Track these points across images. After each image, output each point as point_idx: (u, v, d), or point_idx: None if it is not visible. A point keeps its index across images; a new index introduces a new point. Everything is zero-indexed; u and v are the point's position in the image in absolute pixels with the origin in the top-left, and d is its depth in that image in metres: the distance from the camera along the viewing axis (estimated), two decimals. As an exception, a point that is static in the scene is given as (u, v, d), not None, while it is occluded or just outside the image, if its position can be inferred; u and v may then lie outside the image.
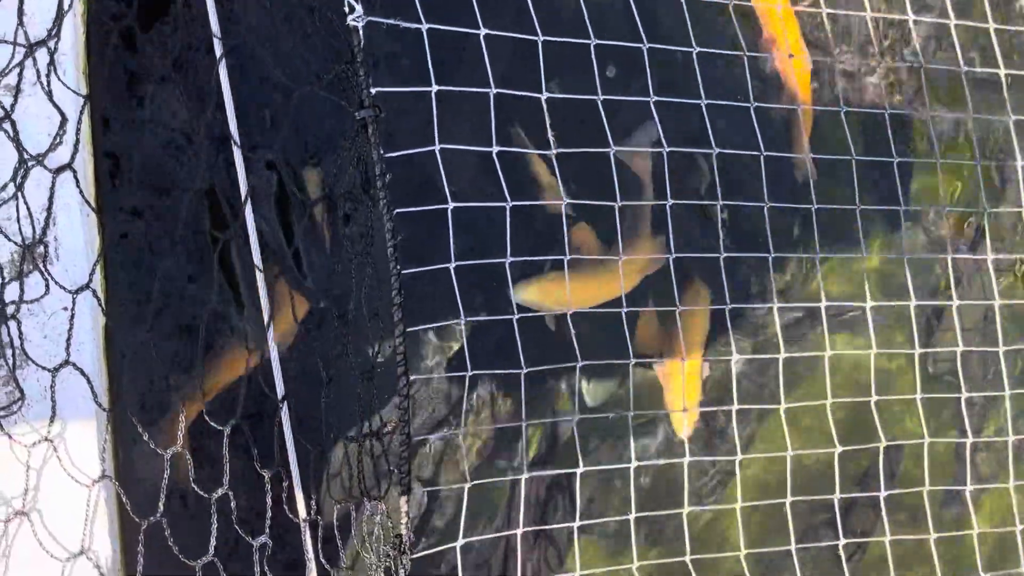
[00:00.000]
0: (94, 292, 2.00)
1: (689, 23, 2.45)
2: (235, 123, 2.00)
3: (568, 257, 2.33)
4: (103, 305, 2.02)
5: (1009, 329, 2.77)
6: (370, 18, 2.00)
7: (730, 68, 2.55)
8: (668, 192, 2.46)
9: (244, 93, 2.10)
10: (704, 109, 2.43)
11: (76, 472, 2.00)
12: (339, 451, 2.30)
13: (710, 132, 2.44)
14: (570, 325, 2.29)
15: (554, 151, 2.34)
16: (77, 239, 2.01)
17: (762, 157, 2.50)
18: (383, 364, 2.25)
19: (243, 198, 2.00)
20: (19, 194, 1.85)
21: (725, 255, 2.51)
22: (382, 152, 2.04)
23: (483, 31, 2.22)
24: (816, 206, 2.56)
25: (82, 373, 1.99)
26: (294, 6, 2.18)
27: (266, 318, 2.06)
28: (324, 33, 2.12)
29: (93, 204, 2.03)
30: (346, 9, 1.99)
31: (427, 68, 2.09)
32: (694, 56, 2.44)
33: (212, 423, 2.04)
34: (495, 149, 2.20)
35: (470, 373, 2.28)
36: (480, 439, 2.49)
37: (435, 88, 2.13)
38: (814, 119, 2.71)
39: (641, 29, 2.37)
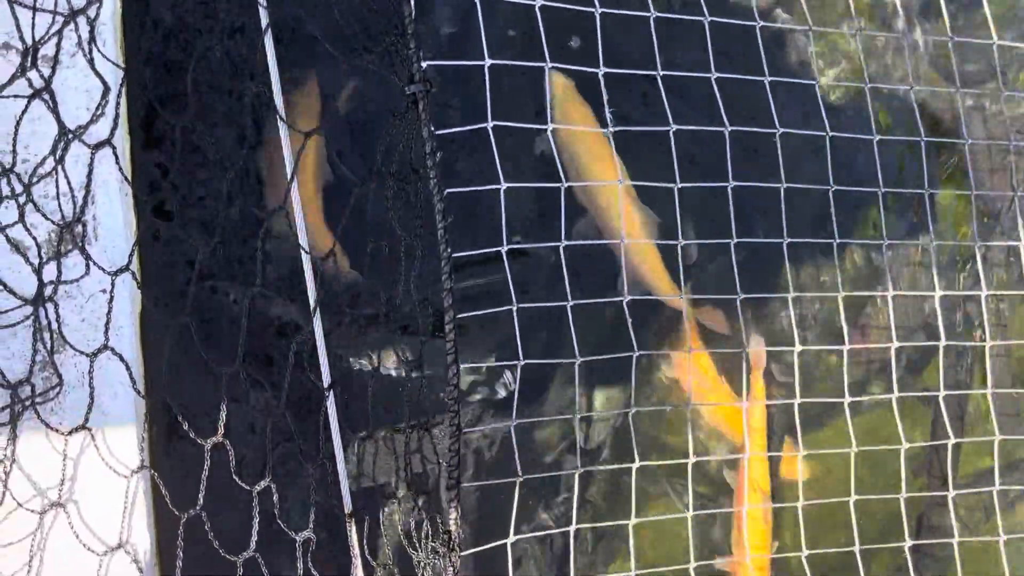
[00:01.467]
0: (133, 274, 1.92)
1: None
2: (280, 96, 1.90)
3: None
4: (141, 287, 1.94)
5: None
6: (421, -12, 1.90)
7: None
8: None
9: (289, 64, 2.00)
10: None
11: (114, 462, 1.92)
12: (385, 443, 2.21)
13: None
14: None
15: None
16: (116, 219, 1.92)
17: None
18: (431, 355, 2.15)
19: (289, 176, 1.91)
20: (59, 168, 1.76)
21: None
22: (432, 129, 1.94)
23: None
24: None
25: (121, 359, 1.91)
26: (342, -25, 2.08)
27: (312, 300, 1.96)
28: (375, 3, 2.01)
29: (131, 182, 1.95)
30: (396, -20, 1.89)
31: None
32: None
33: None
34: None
35: (522, 362, 2.17)
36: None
37: (489, 62, 2.03)
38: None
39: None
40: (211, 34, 2.08)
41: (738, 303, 2.32)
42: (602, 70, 2.15)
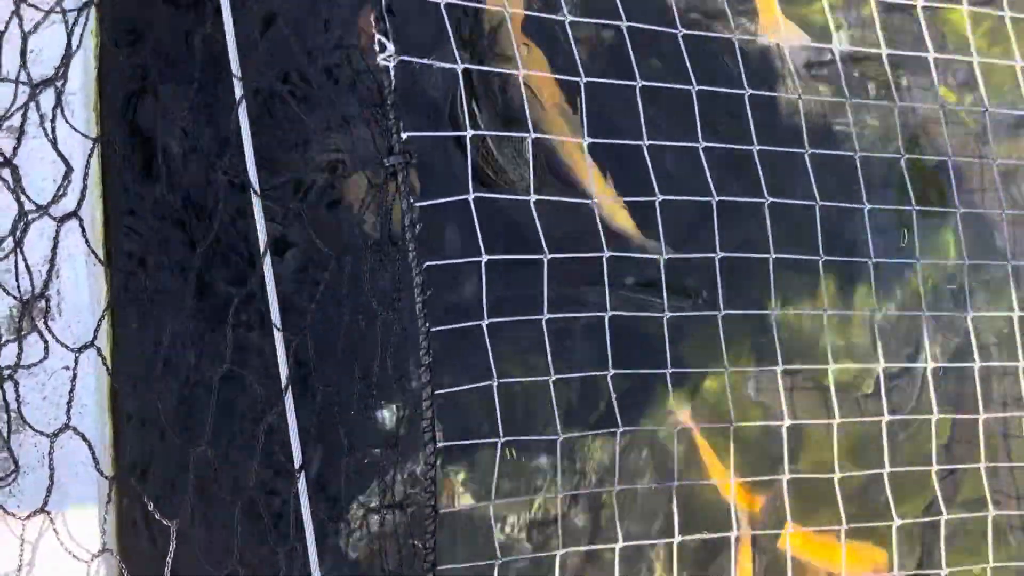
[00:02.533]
0: (99, 350, 1.85)
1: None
2: (254, 169, 1.85)
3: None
4: (108, 364, 1.87)
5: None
6: (402, 57, 1.85)
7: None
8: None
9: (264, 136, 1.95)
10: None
11: (74, 546, 1.84)
12: (358, 520, 2.13)
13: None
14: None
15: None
16: (82, 293, 1.86)
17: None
18: (408, 429, 2.08)
19: (262, 251, 1.85)
20: (18, 250, 1.70)
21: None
22: (412, 201, 1.89)
23: (521, 72, 2.08)
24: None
25: (83, 438, 1.84)
26: (321, 45, 2.04)
27: (283, 378, 1.90)
28: (352, 71, 1.97)
29: (101, 255, 1.89)
30: (376, 47, 1.85)
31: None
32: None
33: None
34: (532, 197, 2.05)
35: (502, 439, 2.10)
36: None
37: (470, 133, 1.98)
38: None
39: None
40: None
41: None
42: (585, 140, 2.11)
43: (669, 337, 2.19)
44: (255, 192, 1.84)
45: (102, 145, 1.89)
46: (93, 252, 1.86)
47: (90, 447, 1.84)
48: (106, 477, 1.86)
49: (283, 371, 1.90)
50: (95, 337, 1.85)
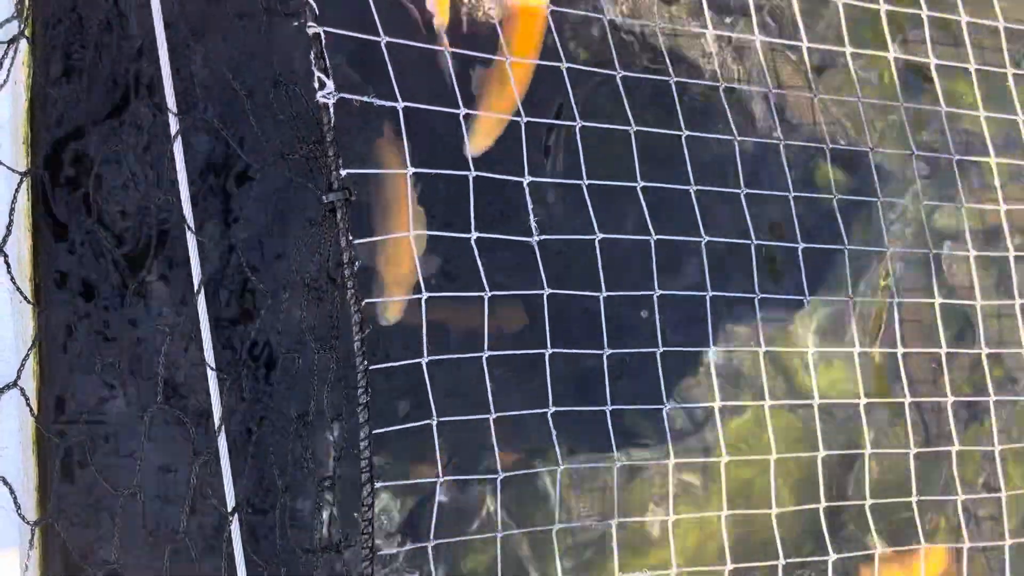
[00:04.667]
0: (22, 390, 1.78)
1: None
2: (189, 204, 1.82)
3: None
4: (32, 405, 1.80)
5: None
6: (342, 95, 1.85)
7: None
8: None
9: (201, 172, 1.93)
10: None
11: (-8, 596, 1.77)
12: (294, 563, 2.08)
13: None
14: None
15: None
16: (5, 330, 1.80)
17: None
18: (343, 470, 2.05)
19: (196, 288, 1.81)
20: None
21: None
22: (351, 239, 1.88)
23: (462, 111, 2.09)
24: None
25: (4, 482, 1.77)
26: (259, 80, 2.02)
27: (216, 419, 1.86)
28: (291, 110, 1.95)
29: (27, 291, 1.83)
30: (316, 85, 1.84)
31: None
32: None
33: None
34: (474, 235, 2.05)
35: (441, 479, 2.08)
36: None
37: (411, 171, 1.98)
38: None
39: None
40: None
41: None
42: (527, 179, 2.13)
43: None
44: (190, 229, 1.81)
45: (32, 178, 1.85)
46: (19, 290, 1.80)
47: (12, 492, 1.76)
48: (28, 522, 1.79)
49: (216, 411, 1.86)
50: (18, 376, 1.79)
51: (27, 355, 1.81)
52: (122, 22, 1.99)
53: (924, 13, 2.66)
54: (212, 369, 1.82)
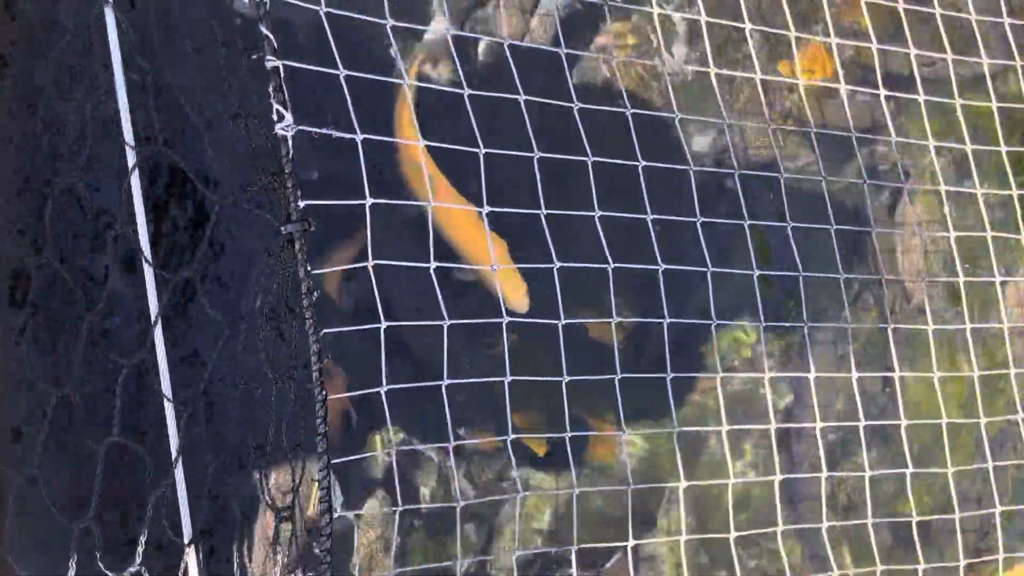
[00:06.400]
0: (-24, 424, 1.78)
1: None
2: (147, 239, 1.83)
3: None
4: (-14, 438, 1.80)
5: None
6: (301, 127, 1.86)
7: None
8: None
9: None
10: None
11: (-57, 633, 1.75)
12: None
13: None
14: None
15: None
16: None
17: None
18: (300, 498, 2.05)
19: (153, 320, 1.82)
20: None
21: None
22: (309, 269, 1.89)
23: (422, 142, 2.12)
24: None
25: (-43, 517, 1.76)
26: (217, 112, 2.03)
27: (174, 452, 1.86)
28: (249, 141, 1.97)
29: None
30: (274, 117, 1.86)
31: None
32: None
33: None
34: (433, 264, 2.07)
35: (400, 508, 2.09)
36: None
37: (370, 201, 2.00)
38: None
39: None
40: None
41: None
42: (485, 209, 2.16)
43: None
44: (147, 261, 1.81)
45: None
46: (-26, 321, 1.80)
47: (-36, 526, 1.75)
48: (-19, 557, 1.78)
49: (173, 442, 1.86)
50: (-27, 409, 1.78)
51: (-19, 388, 1.81)
52: (81, 54, 1.99)
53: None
54: (169, 401, 1.83)
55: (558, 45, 2.44)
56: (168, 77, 1.97)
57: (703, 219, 2.43)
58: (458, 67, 2.30)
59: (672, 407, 2.37)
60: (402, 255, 2.06)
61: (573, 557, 2.26)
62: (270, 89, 1.86)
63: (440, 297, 2.01)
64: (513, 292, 2.38)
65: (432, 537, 2.29)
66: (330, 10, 2.00)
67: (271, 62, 1.84)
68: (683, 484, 2.39)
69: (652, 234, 2.35)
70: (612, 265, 2.28)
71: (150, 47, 1.96)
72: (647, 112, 2.51)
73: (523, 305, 2.40)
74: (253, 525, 2.07)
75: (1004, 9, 2.85)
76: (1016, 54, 2.86)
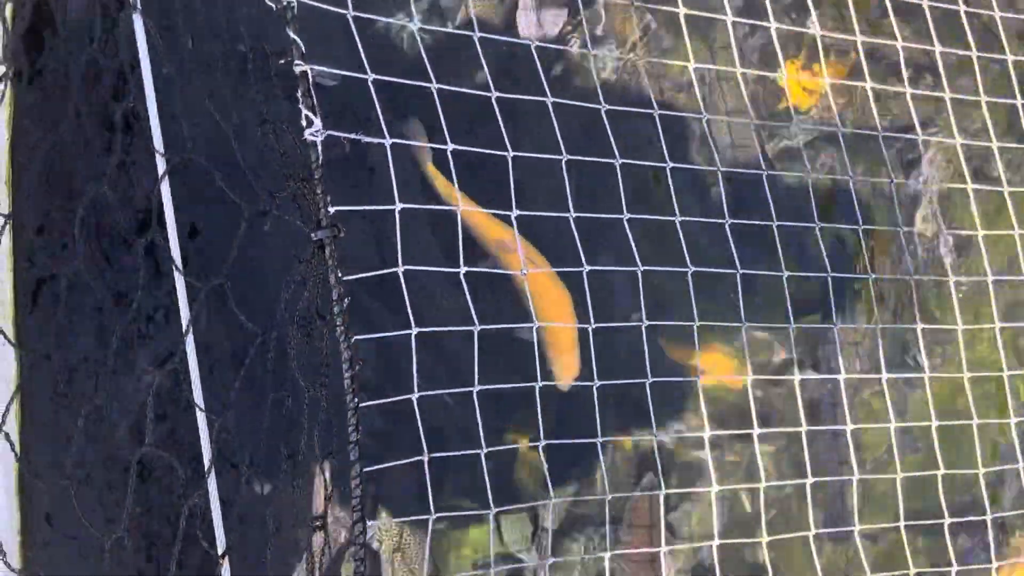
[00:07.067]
0: (7, 436, 1.75)
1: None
2: (177, 243, 1.80)
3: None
4: (16, 450, 1.77)
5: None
6: (330, 132, 1.84)
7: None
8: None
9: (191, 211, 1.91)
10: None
11: (-25, 649, 1.72)
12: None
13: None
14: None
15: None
16: (-11, 373, 1.77)
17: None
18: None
19: (184, 328, 1.79)
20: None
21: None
22: (340, 275, 1.87)
23: (450, 146, 2.09)
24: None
25: (-11, 530, 1.74)
26: (246, 119, 2.02)
27: (207, 462, 1.83)
28: (279, 148, 1.95)
29: (10, 334, 1.80)
30: (304, 123, 1.84)
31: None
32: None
33: None
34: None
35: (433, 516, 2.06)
36: None
37: (399, 206, 1.97)
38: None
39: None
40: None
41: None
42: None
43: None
44: (177, 269, 1.79)
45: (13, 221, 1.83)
46: (1, 332, 1.77)
47: (-3, 540, 1.73)
48: (13, 570, 1.75)
49: (206, 452, 1.83)
50: (3, 421, 1.76)
51: (11, 399, 1.78)
52: (108, 61, 1.97)
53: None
54: (200, 410, 1.80)
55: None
56: (197, 82, 1.95)
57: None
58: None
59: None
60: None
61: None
62: (298, 94, 1.85)
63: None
64: (566, 370, 2.36)
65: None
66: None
67: (300, 67, 1.83)
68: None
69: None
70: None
71: (178, 53, 1.94)
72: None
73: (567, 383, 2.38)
74: (286, 535, 2.04)
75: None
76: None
